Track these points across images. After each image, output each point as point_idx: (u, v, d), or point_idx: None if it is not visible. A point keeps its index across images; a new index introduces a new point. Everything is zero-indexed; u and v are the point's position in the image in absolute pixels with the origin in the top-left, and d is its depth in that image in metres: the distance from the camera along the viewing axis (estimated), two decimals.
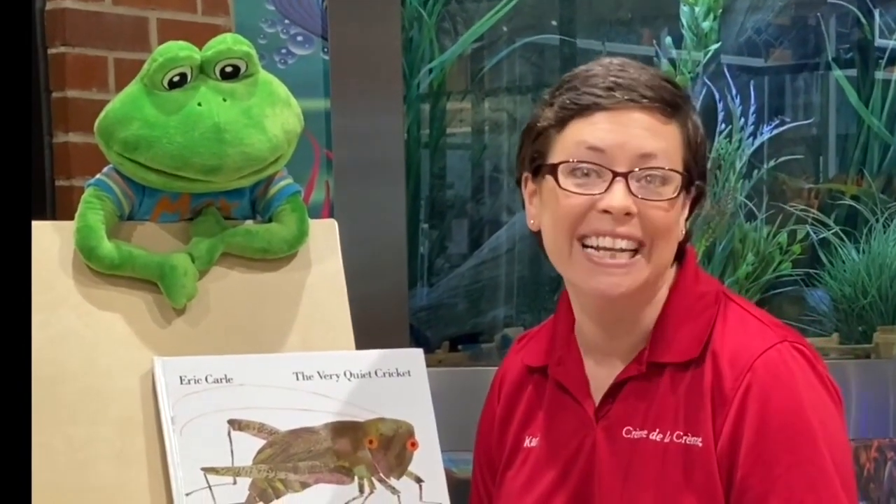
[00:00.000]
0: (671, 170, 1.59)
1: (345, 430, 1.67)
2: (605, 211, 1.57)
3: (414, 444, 1.69)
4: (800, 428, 1.56)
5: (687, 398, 1.61)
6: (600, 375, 1.67)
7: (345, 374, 1.70)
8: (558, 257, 1.64)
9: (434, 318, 3.96)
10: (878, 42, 4.11)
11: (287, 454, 1.63)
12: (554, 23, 4.21)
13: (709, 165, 1.64)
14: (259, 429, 1.63)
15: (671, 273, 1.67)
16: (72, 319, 1.67)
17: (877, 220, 3.92)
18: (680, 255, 1.68)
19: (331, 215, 3.25)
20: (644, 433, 1.62)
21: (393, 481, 1.67)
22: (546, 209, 1.64)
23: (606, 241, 1.59)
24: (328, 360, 1.70)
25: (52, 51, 3.18)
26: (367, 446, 1.67)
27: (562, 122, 1.61)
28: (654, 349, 1.64)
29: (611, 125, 1.59)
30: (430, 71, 3.91)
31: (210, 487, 1.59)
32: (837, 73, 4.10)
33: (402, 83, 3.46)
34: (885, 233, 3.90)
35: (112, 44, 3.21)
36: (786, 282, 3.79)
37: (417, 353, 1.76)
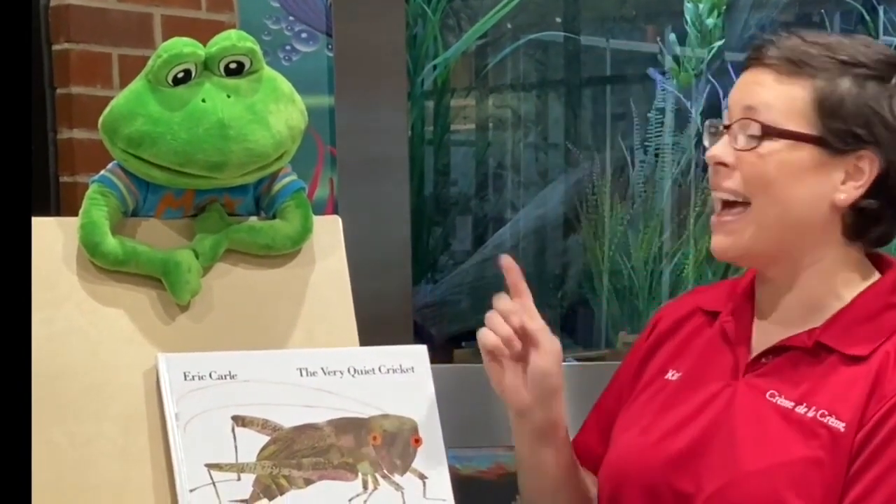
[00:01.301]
0: (761, 123, 1.62)
1: (348, 426, 1.67)
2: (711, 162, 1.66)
3: (418, 441, 1.69)
4: None
5: (844, 385, 1.61)
6: (765, 335, 1.69)
7: (349, 371, 1.70)
8: None
9: (438, 314, 3.96)
10: (883, 39, 4.11)
11: (291, 451, 1.63)
12: (558, 20, 4.21)
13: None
14: (263, 425, 1.63)
15: (868, 274, 1.68)
16: (75, 316, 1.67)
17: None
18: (879, 263, 1.70)
19: (335, 212, 3.25)
20: (790, 404, 1.63)
21: (397, 478, 1.67)
22: None
23: (715, 194, 1.67)
24: (332, 357, 1.70)
25: (56, 47, 3.18)
26: (371, 443, 1.67)
27: None
28: (827, 331, 1.65)
29: (738, 84, 1.68)
30: (434, 68, 3.91)
31: (214, 484, 1.59)
32: None
33: (405, 80, 3.47)
34: None
35: (116, 40, 3.21)
36: None
37: (421, 350, 1.76)
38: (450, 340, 3.70)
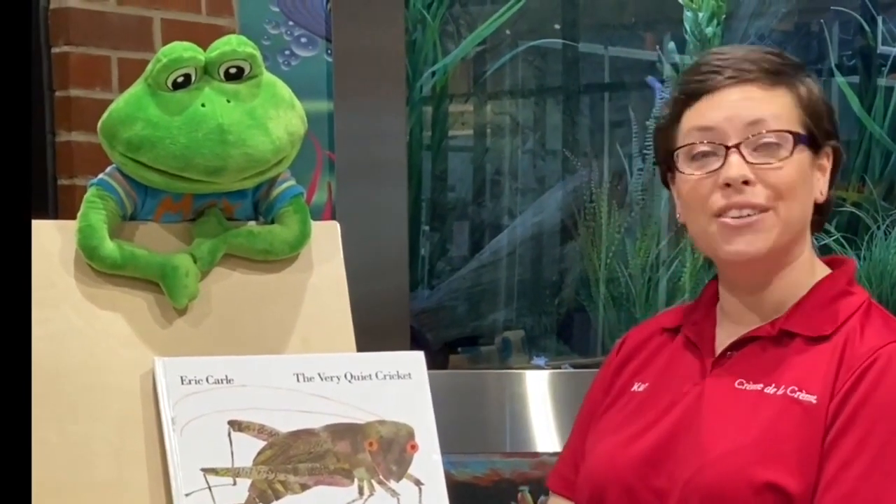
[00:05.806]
0: (783, 131, 1.67)
1: (345, 432, 1.67)
2: (726, 184, 1.66)
3: (414, 447, 1.69)
4: None
5: (811, 363, 1.66)
6: (728, 335, 1.74)
7: (345, 376, 1.70)
8: (701, 240, 1.73)
9: (435, 320, 3.96)
10: (881, 49, 4.11)
11: (287, 456, 1.63)
12: (557, 27, 4.21)
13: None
14: (259, 430, 1.63)
15: (821, 268, 1.75)
16: (73, 318, 1.67)
17: (878, 228, 3.92)
18: (832, 263, 1.76)
19: (333, 217, 3.25)
20: (758, 387, 1.67)
21: (393, 484, 1.67)
22: (682, 201, 1.73)
23: (734, 213, 1.67)
24: (329, 362, 1.70)
25: (55, 50, 3.18)
26: (367, 448, 1.67)
27: (677, 116, 1.73)
28: (790, 319, 1.70)
29: (716, 104, 1.69)
30: (433, 73, 3.91)
31: (210, 488, 1.59)
32: (840, 79, 4.10)
33: (404, 85, 3.47)
34: (886, 240, 3.90)
35: (116, 43, 3.21)
36: None
37: (418, 356, 1.76)
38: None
